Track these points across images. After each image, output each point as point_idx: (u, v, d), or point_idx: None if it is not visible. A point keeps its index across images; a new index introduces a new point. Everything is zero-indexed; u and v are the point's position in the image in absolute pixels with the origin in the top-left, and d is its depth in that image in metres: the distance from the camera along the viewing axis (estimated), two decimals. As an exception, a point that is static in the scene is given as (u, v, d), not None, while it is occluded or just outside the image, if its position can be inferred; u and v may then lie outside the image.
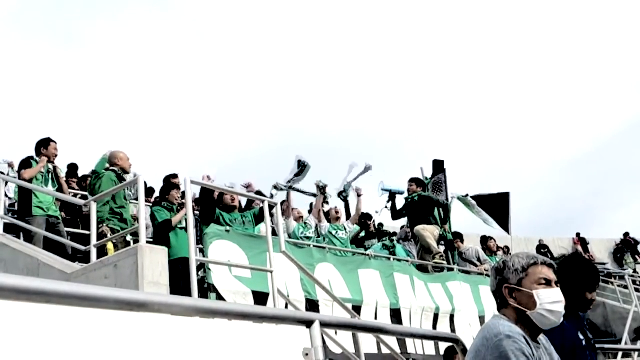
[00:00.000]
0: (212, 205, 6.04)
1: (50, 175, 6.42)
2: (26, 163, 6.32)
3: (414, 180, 8.88)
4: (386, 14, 40.12)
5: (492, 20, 39.22)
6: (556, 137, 40.31)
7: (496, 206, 9.98)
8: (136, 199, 6.25)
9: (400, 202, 9.01)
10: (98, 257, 4.82)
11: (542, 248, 19.10)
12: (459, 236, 9.55)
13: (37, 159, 6.33)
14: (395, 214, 9.04)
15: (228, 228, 5.57)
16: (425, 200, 8.58)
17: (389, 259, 7.50)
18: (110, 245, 5.38)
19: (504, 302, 2.04)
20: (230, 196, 6.18)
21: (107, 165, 6.16)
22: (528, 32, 39.72)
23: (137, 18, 37.09)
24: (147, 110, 36.17)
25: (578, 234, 21.66)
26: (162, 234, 5.81)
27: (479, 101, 39.61)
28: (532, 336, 1.97)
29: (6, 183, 7.74)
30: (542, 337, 2.05)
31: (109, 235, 5.50)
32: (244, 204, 7.52)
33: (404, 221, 9.59)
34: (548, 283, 1.99)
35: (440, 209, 8.85)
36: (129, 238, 5.73)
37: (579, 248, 21.27)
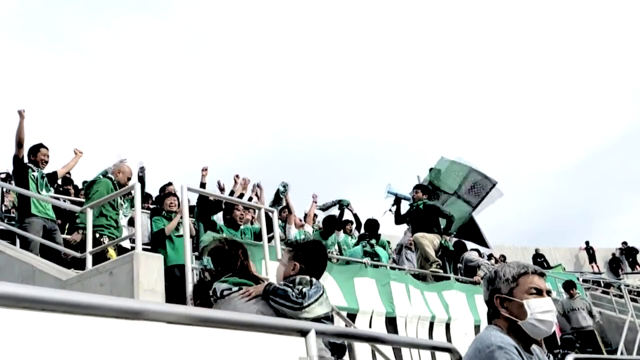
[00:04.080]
0: (210, 216, 6.08)
1: (44, 180, 6.38)
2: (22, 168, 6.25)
3: (419, 188, 8.85)
4: (385, 19, 40.31)
5: (490, 27, 39.44)
6: (553, 145, 40.47)
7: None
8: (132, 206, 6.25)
9: (404, 207, 8.97)
10: (93, 264, 4.81)
11: (538, 257, 19.11)
12: (462, 245, 9.51)
13: (32, 166, 6.27)
14: (399, 219, 8.99)
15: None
16: (430, 209, 8.53)
17: (385, 267, 7.49)
18: (111, 251, 5.37)
19: (496, 311, 2.03)
20: (240, 213, 6.20)
21: (108, 174, 6.18)
22: (526, 39, 39.95)
23: (133, 24, 37.17)
24: (142, 116, 36.17)
25: (587, 242, 21.63)
26: (157, 244, 5.82)
27: (475, 108, 39.76)
28: (524, 346, 1.96)
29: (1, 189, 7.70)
30: (535, 347, 2.04)
31: (106, 242, 5.49)
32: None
33: (405, 227, 9.54)
34: (539, 292, 1.98)
35: (444, 219, 8.79)
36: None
37: (585, 257, 21.27)
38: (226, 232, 6.02)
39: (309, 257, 2.86)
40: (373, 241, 8.16)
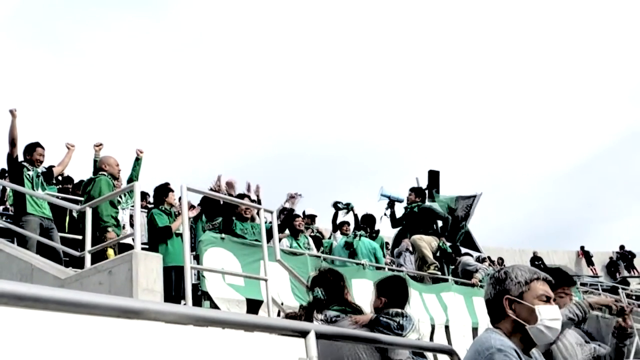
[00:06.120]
0: (230, 215, 6.14)
1: (40, 179, 6.31)
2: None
3: (413, 190, 8.85)
4: (384, 25, 40.35)
5: (488, 33, 39.50)
6: (550, 148, 40.54)
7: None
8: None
9: (400, 209, 8.95)
10: (92, 262, 4.79)
11: (536, 260, 19.10)
12: (457, 250, 9.49)
13: (27, 165, 6.21)
14: (395, 222, 8.98)
15: (223, 235, 5.56)
16: (424, 212, 8.53)
17: (383, 268, 7.48)
18: (110, 251, 5.34)
19: (501, 312, 2.01)
20: (245, 207, 6.23)
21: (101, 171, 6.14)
22: (523, 44, 40.02)
23: (133, 27, 37.19)
24: (141, 117, 36.14)
25: (582, 247, 21.63)
26: (160, 239, 5.77)
27: (474, 112, 39.81)
28: (525, 349, 1.96)
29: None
30: (534, 351, 2.03)
31: (112, 237, 5.47)
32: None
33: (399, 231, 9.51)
34: (548, 300, 1.98)
35: (441, 222, 8.77)
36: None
37: (583, 260, 21.27)
38: (239, 226, 6.02)
39: (391, 292, 3.49)
40: (362, 232, 7.92)
